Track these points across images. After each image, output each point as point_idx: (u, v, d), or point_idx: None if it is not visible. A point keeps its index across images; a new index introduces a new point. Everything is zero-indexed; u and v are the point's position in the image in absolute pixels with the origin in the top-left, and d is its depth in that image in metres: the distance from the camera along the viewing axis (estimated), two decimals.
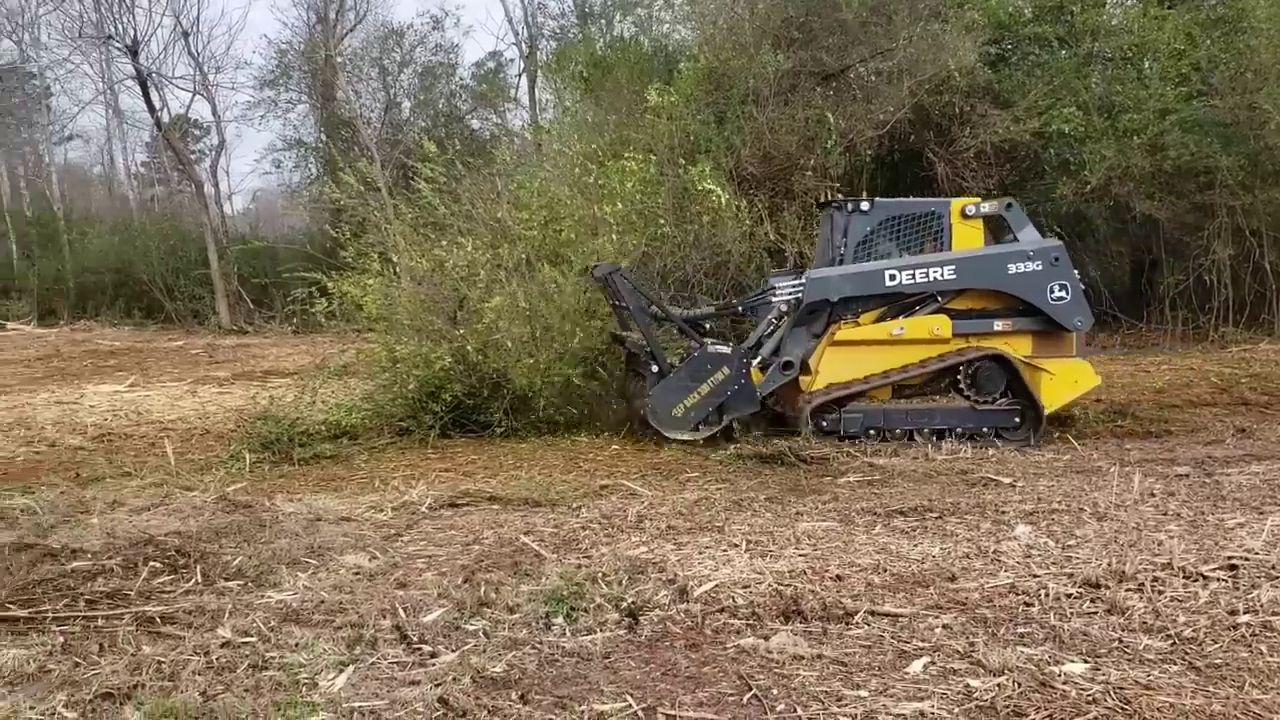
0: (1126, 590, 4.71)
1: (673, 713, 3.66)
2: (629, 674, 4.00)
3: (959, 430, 9.32)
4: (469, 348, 9.73)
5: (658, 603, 4.76)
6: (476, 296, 10.15)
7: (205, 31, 51.08)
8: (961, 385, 9.36)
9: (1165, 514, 6.21)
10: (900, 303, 9.51)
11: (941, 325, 9.29)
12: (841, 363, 9.41)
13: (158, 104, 32.00)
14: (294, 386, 10.85)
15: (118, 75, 36.18)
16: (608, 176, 12.47)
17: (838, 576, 5.10)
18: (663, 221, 12.72)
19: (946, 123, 16.98)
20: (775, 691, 3.78)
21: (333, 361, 11.16)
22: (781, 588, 4.87)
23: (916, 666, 3.96)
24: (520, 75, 34.45)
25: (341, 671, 4.05)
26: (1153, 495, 6.70)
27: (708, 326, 10.45)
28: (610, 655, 4.19)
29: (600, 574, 5.16)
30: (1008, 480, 7.47)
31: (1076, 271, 9.42)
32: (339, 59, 31.54)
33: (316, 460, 9.03)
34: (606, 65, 18.66)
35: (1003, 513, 6.39)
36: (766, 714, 3.62)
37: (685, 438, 9.36)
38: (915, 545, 5.69)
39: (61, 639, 4.50)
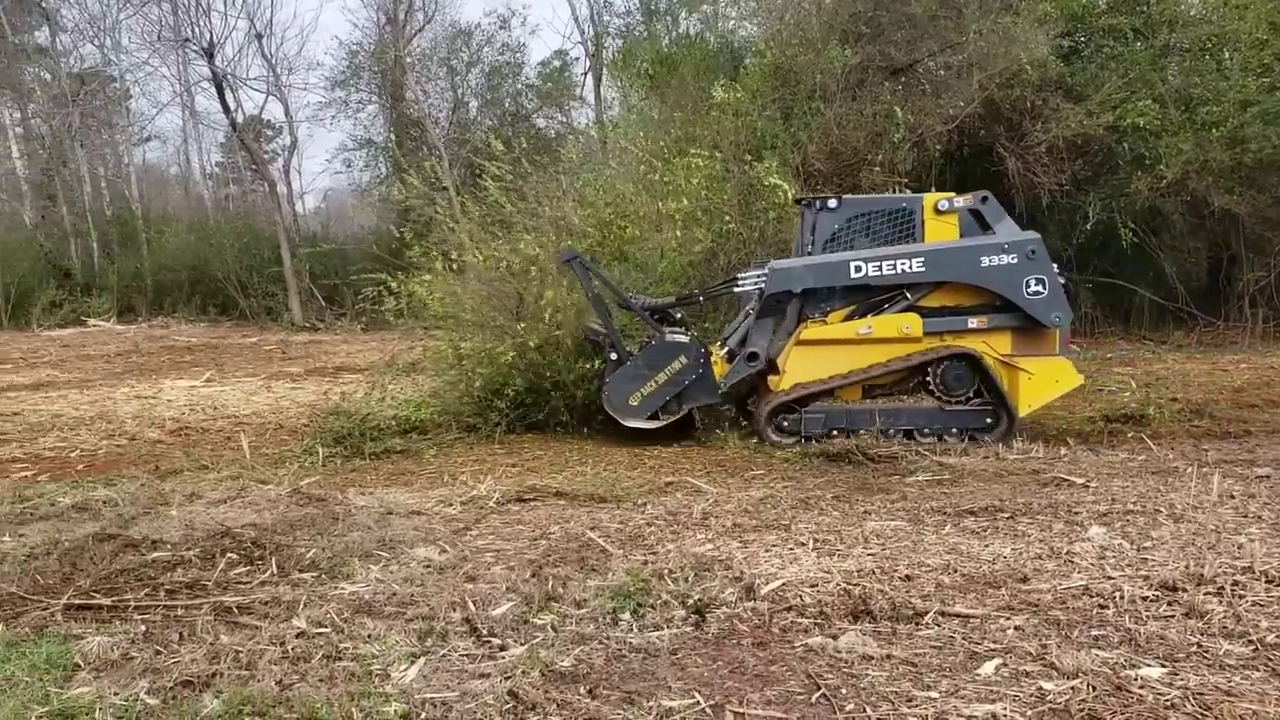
0: (1205, 594, 4.60)
1: (741, 710, 3.66)
2: (696, 671, 4.01)
3: (926, 431, 9.14)
4: (530, 343, 9.80)
5: (724, 600, 4.76)
6: (534, 293, 10.22)
7: (278, 33, 52.06)
8: (931, 385, 9.20)
9: (1245, 516, 6.05)
10: (870, 300, 9.30)
11: (912, 324, 9.05)
12: (809, 362, 9.23)
13: (232, 105, 32.76)
14: (365, 383, 11.01)
15: (194, 77, 37.17)
16: (673, 173, 12.49)
17: (907, 576, 5.05)
18: (728, 218, 12.70)
19: (1017, 117, 16.74)
20: (844, 691, 3.76)
21: (400, 359, 11.31)
22: (850, 587, 4.84)
23: (988, 668, 3.92)
24: (586, 74, 34.63)
25: (413, 663, 4.11)
26: (1232, 497, 6.53)
27: (678, 315, 10.28)
28: (677, 652, 4.20)
29: (666, 570, 5.18)
30: (1080, 480, 7.33)
31: (1055, 265, 9.12)
32: (408, 59, 31.93)
33: (387, 455, 9.16)
34: (672, 62, 18.69)
35: (1075, 513, 6.27)
36: (835, 714, 3.60)
37: (642, 426, 9.36)
38: (986, 545, 5.61)
39: (143, 627, 4.62)
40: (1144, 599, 4.61)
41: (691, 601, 4.72)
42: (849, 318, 9.25)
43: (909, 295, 9.17)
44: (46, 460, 9.41)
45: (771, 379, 9.40)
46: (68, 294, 30.70)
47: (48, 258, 31.65)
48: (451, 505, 7.06)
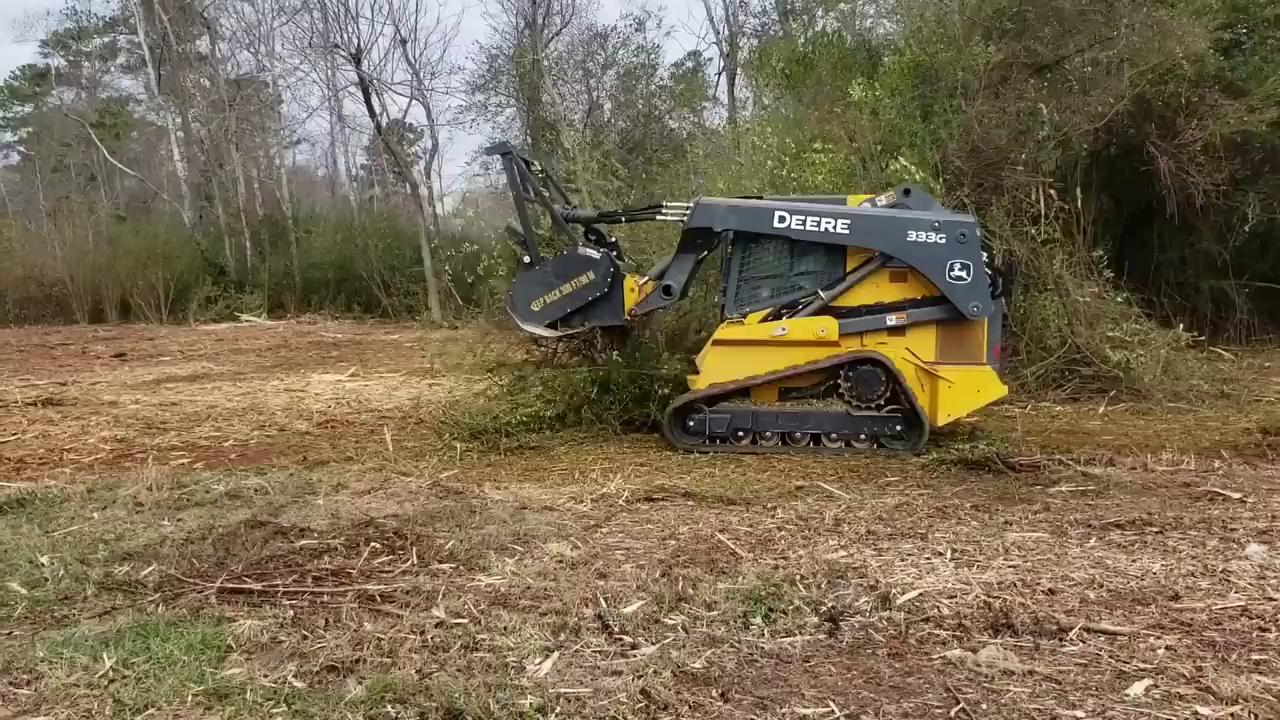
0: None
1: None
2: (830, 679, 3.96)
3: (834, 436, 8.91)
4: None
5: (858, 609, 4.69)
6: None
7: (422, 39, 53.80)
8: (842, 390, 8.93)
9: None
10: (789, 298, 9.08)
11: (827, 327, 8.79)
12: (726, 363, 9.07)
13: (377, 109, 33.88)
14: (497, 380, 11.17)
15: (341, 82, 38.63)
16: (801, 170, 12.35)
17: (1050, 590, 4.89)
18: None
19: (1170, 114, 15.94)
20: (984, 706, 3.66)
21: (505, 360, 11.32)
22: (990, 599, 4.72)
23: (1138, 689, 3.76)
24: (720, 74, 34.66)
25: (547, 657, 4.18)
26: None
27: (612, 239, 10.04)
28: (810, 659, 4.16)
29: (798, 576, 5.14)
30: (1236, 495, 6.96)
31: (986, 255, 8.75)
32: (545, 62, 32.44)
33: (520, 451, 9.32)
34: (808, 61, 18.48)
35: (1231, 530, 5.97)
36: None
37: (538, 333, 9.41)
38: (1134, 560, 5.39)
39: (291, 612, 4.83)
40: None
41: (824, 609, 4.67)
42: (766, 319, 9.09)
43: (823, 295, 8.94)
44: (202, 449, 9.89)
45: (690, 378, 9.40)
46: (222, 290, 32.28)
47: (204, 255, 33.35)
48: (582, 502, 7.15)
